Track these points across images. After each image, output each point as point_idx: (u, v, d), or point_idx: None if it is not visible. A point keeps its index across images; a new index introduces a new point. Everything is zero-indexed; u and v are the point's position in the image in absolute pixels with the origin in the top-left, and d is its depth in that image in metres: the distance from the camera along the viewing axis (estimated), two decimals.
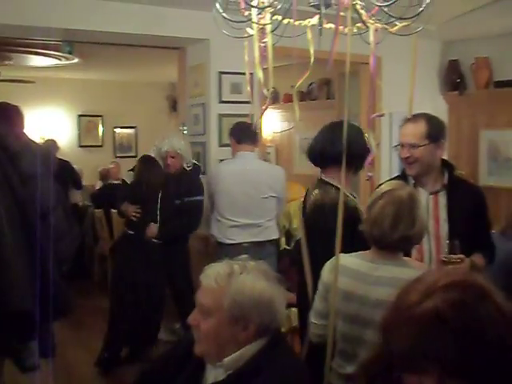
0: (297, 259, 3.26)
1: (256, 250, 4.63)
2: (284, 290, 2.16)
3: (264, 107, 2.67)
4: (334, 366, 2.53)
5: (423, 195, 3.12)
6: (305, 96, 8.47)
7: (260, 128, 5.12)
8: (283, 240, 4.80)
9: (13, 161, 3.04)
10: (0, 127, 3.18)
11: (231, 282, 2.03)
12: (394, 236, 2.47)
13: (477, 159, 7.01)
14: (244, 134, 4.94)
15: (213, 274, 2.06)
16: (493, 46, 6.84)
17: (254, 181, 4.82)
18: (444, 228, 3.15)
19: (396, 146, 3.31)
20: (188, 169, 5.32)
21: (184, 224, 5.20)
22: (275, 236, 4.82)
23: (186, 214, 5.16)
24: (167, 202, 5.05)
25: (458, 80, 7.11)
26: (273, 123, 9.07)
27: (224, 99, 5.59)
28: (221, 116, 5.57)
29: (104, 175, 9.28)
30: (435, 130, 3.21)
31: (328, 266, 2.66)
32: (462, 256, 2.91)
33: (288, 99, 8.59)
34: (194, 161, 5.48)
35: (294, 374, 2.03)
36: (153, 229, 5.03)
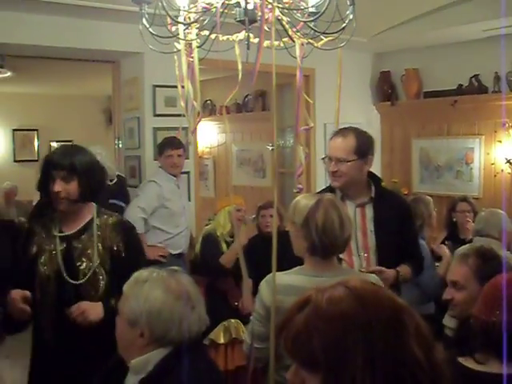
0: None
1: None
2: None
3: (197, 120, 2.70)
4: (280, 380, 2.46)
5: (350, 207, 3.14)
6: (241, 108, 8.52)
7: (194, 141, 5.12)
8: (224, 246, 4.85)
9: None
10: None
11: (133, 289, 2.11)
12: (344, 237, 2.56)
13: (409, 167, 7.20)
14: None
15: (130, 280, 2.16)
16: (422, 58, 7.05)
17: None
18: (372, 240, 3.17)
19: (323, 159, 3.33)
20: (111, 183, 5.10)
21: None
22: None
23: None
24: None
25: (390, 91, 7.30)
26: (210, 135, 9.10)
27: (158, 112, 5.59)
28: (155, 129, 5.57)
29: None
30: (364, 146, 3.22)
31: (266, 288, 2.62)
32: (378, 268, 2.98)
33: (225, 111, 8.62)
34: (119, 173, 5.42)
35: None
36: None
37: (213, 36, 2.55)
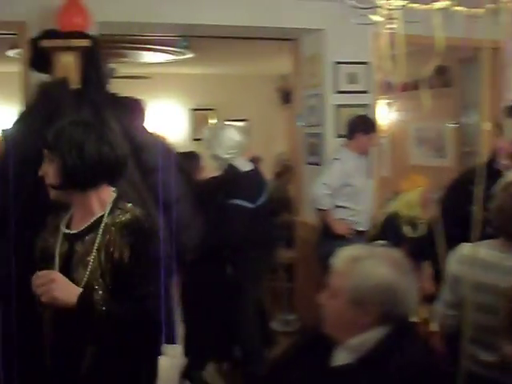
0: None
1: None
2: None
3: (393, 96, 2.61)
4: (470, 353, 2.49)
5: None
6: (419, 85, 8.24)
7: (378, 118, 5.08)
8: (407, 229, 4.75)
9: (136, 152, 3.05)
10: (125, 119, 3.18)
11: (355, 267, 2.03)
12: None
13: None
14: None
15: (342, 258, 2.09)
16: None
17: None
18: None
19: None
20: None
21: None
22: None
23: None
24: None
25: None
26: (387, 113, 8.89)
27: (340, 89, 5.54)
28: (337, 106, 5.53)
29: None
30: None
31: (454, 257, 2.72)
32: None
33: (404, 88, 8.37)
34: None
35: (423, 363, 1.99)
36: None
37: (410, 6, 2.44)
